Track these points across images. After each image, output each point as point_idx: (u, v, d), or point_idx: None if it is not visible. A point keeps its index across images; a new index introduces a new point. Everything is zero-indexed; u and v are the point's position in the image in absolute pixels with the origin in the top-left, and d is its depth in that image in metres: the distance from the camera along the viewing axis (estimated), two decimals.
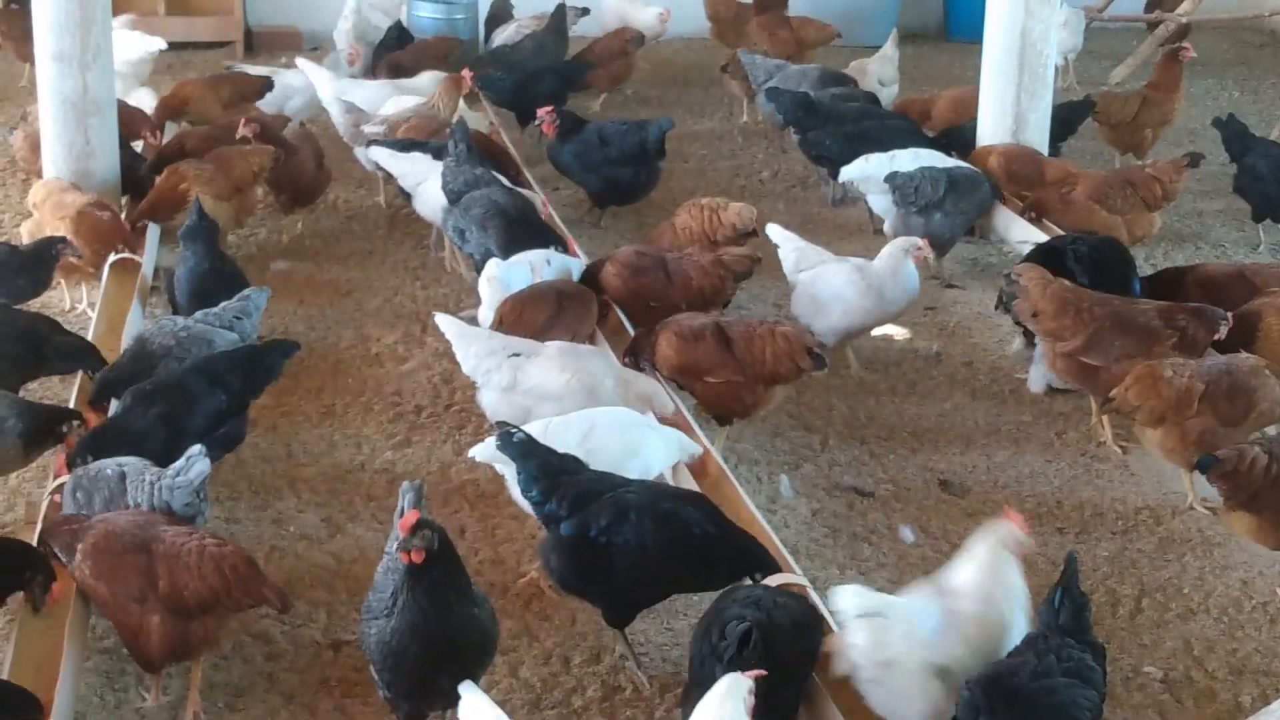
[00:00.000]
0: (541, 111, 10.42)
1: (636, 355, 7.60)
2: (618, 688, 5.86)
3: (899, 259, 8.19)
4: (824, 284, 8.32)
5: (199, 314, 7.30)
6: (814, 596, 5.81)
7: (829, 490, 7.38)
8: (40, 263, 8.14)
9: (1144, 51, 14.21)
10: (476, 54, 13.44)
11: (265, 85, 11.63)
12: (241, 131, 9.65)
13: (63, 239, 8.25)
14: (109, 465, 5.94)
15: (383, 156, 9.83)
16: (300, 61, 11.62)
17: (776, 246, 8.64)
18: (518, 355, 7.15)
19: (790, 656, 5.19)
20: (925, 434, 7.95)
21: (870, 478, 7.50)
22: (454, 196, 9.10)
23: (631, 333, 8.06)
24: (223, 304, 7.38)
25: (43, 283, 8.23)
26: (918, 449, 7.78)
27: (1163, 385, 6.98)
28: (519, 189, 9.52)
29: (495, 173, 9.41)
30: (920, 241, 8.28)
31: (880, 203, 9.94)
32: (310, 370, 8.29)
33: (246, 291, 7.52)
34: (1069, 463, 7.68)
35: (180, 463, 5.85)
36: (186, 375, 6.66)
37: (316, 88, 11.20)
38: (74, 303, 8.75)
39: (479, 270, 8.57)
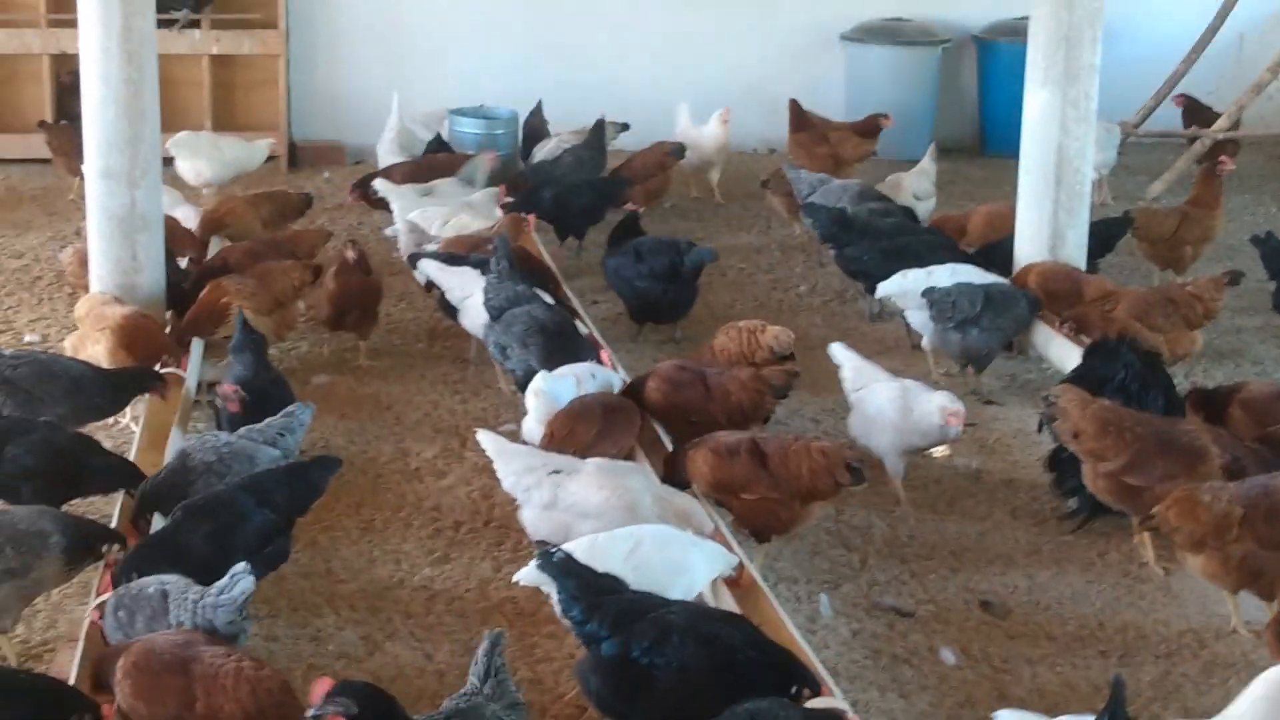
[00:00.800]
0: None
1: (674, 473, 7.61)
2: None
3: (933, 420, 8.14)
4: (872, 402, 8.32)
5: (243, 430, 7.35)
6: (854, 718, 5.76)
7: (869, 610, 7.34)
8: (122, 388, 8.25)
9: (1180, 167, 14.25)
10: (516, 170, 13.57)
11: (305, 203, 11.86)
12: (348, 255, 9.80)
13: (158, 376, 8.34)
14: (151, 584, 5.96)
15: (433, 270, 9.93)
16: (378, 183, 11.79)
17: (838, 366, 8.60)
18: (558, 472, 7.18)
19: None
20: (965, 553, 7.90)
21: (911, 598, 7.46)
22: (496, 313, 9.18)
23: (670, 447, 8.08)
24: (267, 420, 7.43)
25: (119, 406, 8.40)
26: (958, 568, 7.74)
27: (1201, 510, 6.92)
28: (558, 305, 9.58)
29: (536, 289, 9.48)
30: (958, 406, 8.18)
31: (918, 318, 9.97)
32: (350, 485, 8.32)
33: (292, 408, 7.57)
34: (1111, 584, 7.63)
35: (224, 581, 5.87)
36: (234, 492, 6.69)
37: (393, 206, 11.41)
38: (117, 417, 8.81)
39: (519, 387, 8.61)
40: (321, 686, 5.02)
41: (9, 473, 7.07)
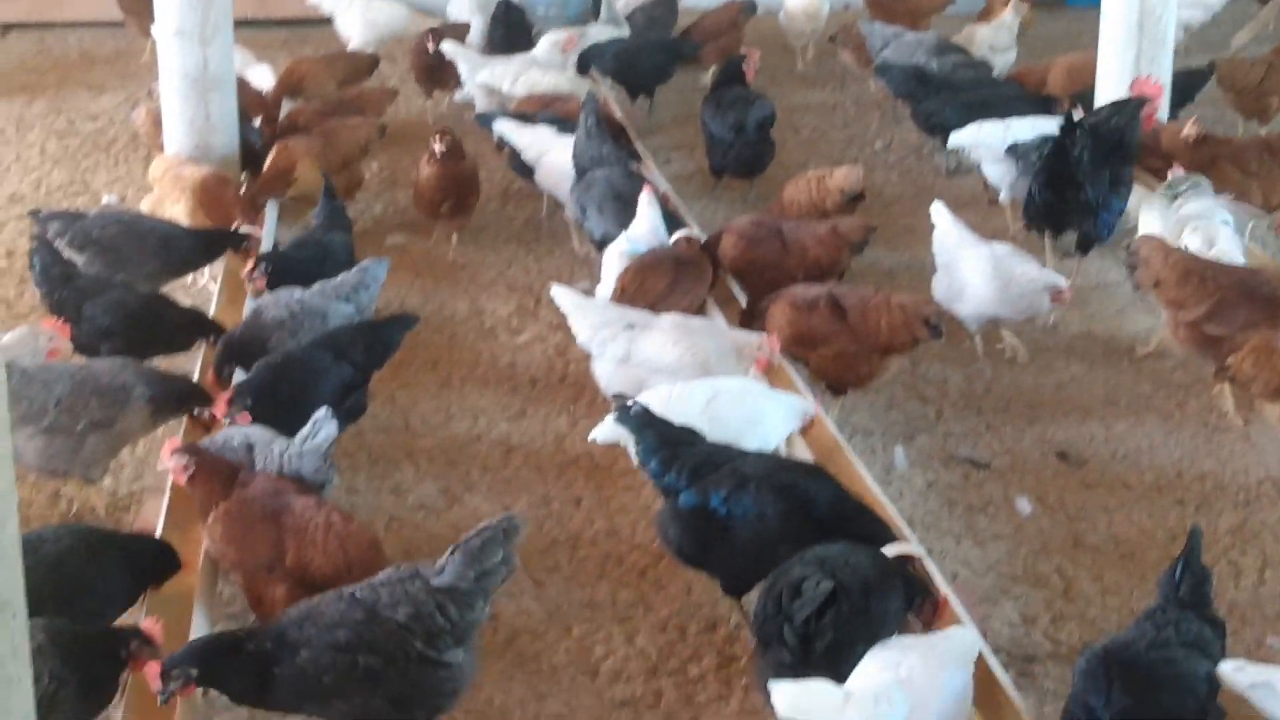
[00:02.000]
0: None
1: (751, 328, 7.60)
2: (734, 657, 5.89)
3: (1036, 296, 7.94)
4: (964, 269, 8.12)
5: (316, 286, 7.39)
6: (930, 565, 5.79)
7: (944, 461, 7.34)
8: (208, 246, 8.35)
9: (1265, 16, 13.89)
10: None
11: (374, 63, 11.85)
12: (435, 147, 9.41)
13: (241, 236, 8.41)
14: (236, 436, 6.04)
15: (506, 128, 9.87)
16: (445, 46, 11.69)
17: (933, 226, 8.41)
18: (632, 327, 7.19)
19: (855, 620, 5.14)
20: (1042, 405, 7.87)
21: (986, 449, 7.45)
22: (581, 171, 9.14)
23: (744, 303, 8.07)
24: (340, 275, 7.47)
25: (204, 264, 8.58)
26: (1035, 420, 7.72)
27: (1277, 358, 6.85)
28: (639, 169, 9.52)
29: (621, 149, 9.42)
30: (1064, 285, 7.97)
31: (995, 171, 9.83)
32: (426, 343, 8.38)
33: (365, 263, 7.59)
34: (1190, 434, 7.58)
35: (307, 429, 5.94)
36: (311, 348, 6.75)
37: (461, 69, 11.33)
38: (195, 277, 8.89)
39: (596, 246, 8.61)
40: (153, 671, 4.90)
41: (86, 332, 7.18)
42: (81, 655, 4.81)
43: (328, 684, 4.86)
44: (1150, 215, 8.71)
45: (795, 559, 5.33)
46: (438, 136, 9.46)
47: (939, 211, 8.39)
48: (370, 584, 5.01)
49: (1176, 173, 8.93)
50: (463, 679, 5.08)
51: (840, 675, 4.89)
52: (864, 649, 5.02)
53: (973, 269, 8.03)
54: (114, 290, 7.39)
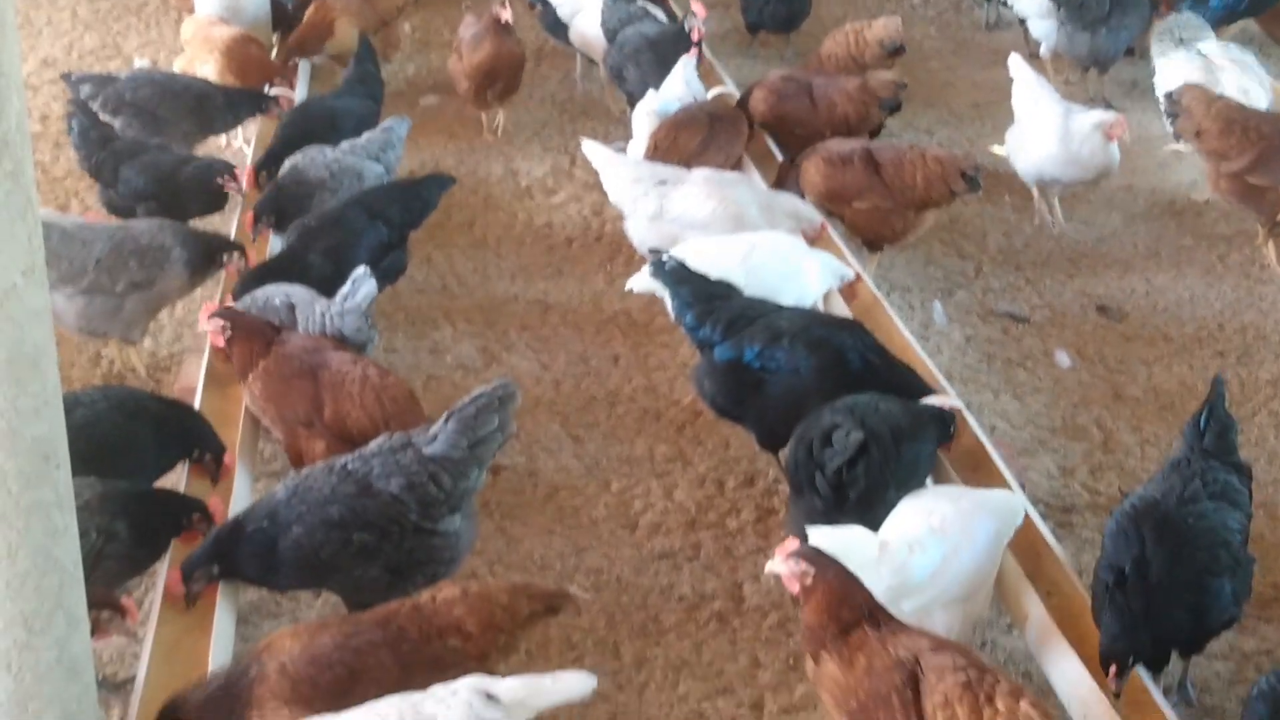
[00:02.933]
0: None
1: (785, 184, 7.55)
2: (772, 510, 5.91)
3: (1094, 138, 7.75)
4: (1029, 124, 7.99)
5: (345, 145, 7.35)
6: (969, 418, 5.78)
7: (983, 316, 7.31)
8: (241, 106, 8.33)
9: None
10: None
11: None
12: (500, 14, 9.04)
13: (272, 97, 8.35)
14: (277, 295, 6.05)
15: None
16: None
17: (1012, 81, 8.25)
18: (664, 183, 7.14)
19: (886, 467, 5.14)
20: (1082, 259, 7.82)
21: (1025, 303, 7.41)
22: (611, 34, 9.03)
23: (779, 159, 8.01)
24: (366, 135, 7.43)
25: (237, 123, 8.54)
26: (1074, 274, 7.66)
27: None
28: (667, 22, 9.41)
29: (650, 5, 9.29)
30: (1115, 118, 7.79)
31: (1039, 26, 9.67)
32: (461, 204, 8.35)
33: (388, 122, 7.55)
34: (1231, 286, 7.52)
35: (346, 287, 5.94)
36: (348, 209, 6.73)
37: None
38: (230, 139, 8.87)
39: (633, 107, 8.54)
40: (174, 579, 4.87)
41: (123, 194, 7.18)
42: (134, 513, 4.85)
43: (325, 559, 4.82)
44: (1168, 63, 8.57)
45: (826, 407, 5.33)
46: (502, 3, 9.09)
47: (1016, 64, 8.24)
48: (361, 455, 4.95)
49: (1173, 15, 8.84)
50: (461, 546, 5.05)
51: (872, 521, 4.91)
52: (896, 494, 5.05)
53: (1041, 124, 7.87)
54: (150, 152, 7.37)
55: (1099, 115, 7.80)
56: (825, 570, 4.29)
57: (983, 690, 3.92)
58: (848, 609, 4.21)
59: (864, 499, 5.06)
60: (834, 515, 5.00)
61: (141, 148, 7.40)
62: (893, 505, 5.00)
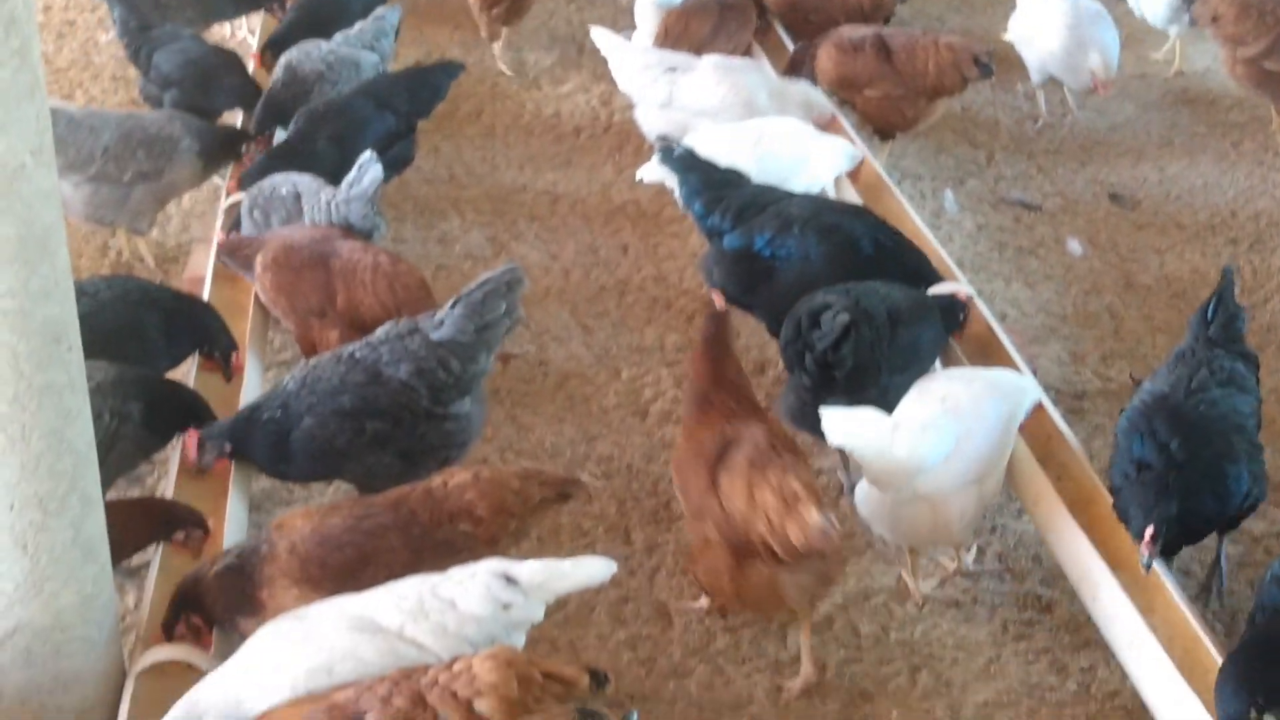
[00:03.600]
0: None
1: (797, 71, 7.48)
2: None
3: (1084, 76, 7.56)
4: (1034, 13, 7.83)
5: (338, 37, 7.27)
6: (980, 305, 5.76)
7: (994, 205, 7.27)
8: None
9: None
10: None
11: None
12: None
13: None
14: (284, 184, 6.01)
15: None
16: None
17: None
18: (674, 70, 7.07)
19: (878, 349, 5.13)
20: (1095, 147, 7.76)
21: (1037, 192, 7.37)
22: None
23: (790, 50, 7.92)
24: (358, 25, 7.35)
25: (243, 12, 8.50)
26: (1087, 162, 7.61)
27: None
28: None
29: None
30: (1104, 75, 7.54)
31: None
32: (469, 94, 8.29)
33: (379, 11, 7.47)
34: (1244, 173, 7.47)
35: (352, 173, 5.90)
36: (355, 97, 6.67)
37: None
38: (235, 29, 8.78)
39: None
40: (191, 439, 4.88)
41: (154, 80, 7.13)
42: (146, 397, 4.85)
43: (339, 448, 4.84)
44: None
45: (822, 289, 5.29)
46: None
47: None
48: (369, 342, 4.94)
49: None
50: (472, 429, 5.05)
51: (865, 402, 4.89)
52: (894, 378, 5.04)
53: (1052, 20, 7.68)
54: (182, 40, 7.30)
55: (1097, 59, 7.53)
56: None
57: (763, 466, 4.39)
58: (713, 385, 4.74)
59: (852, 380, 5.04)
60: (821, 395, 4.98)
61: (175, 36, 7.32)
62: (889, 388, 4.99)
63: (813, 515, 4.22)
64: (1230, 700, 3.93)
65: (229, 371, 5.43)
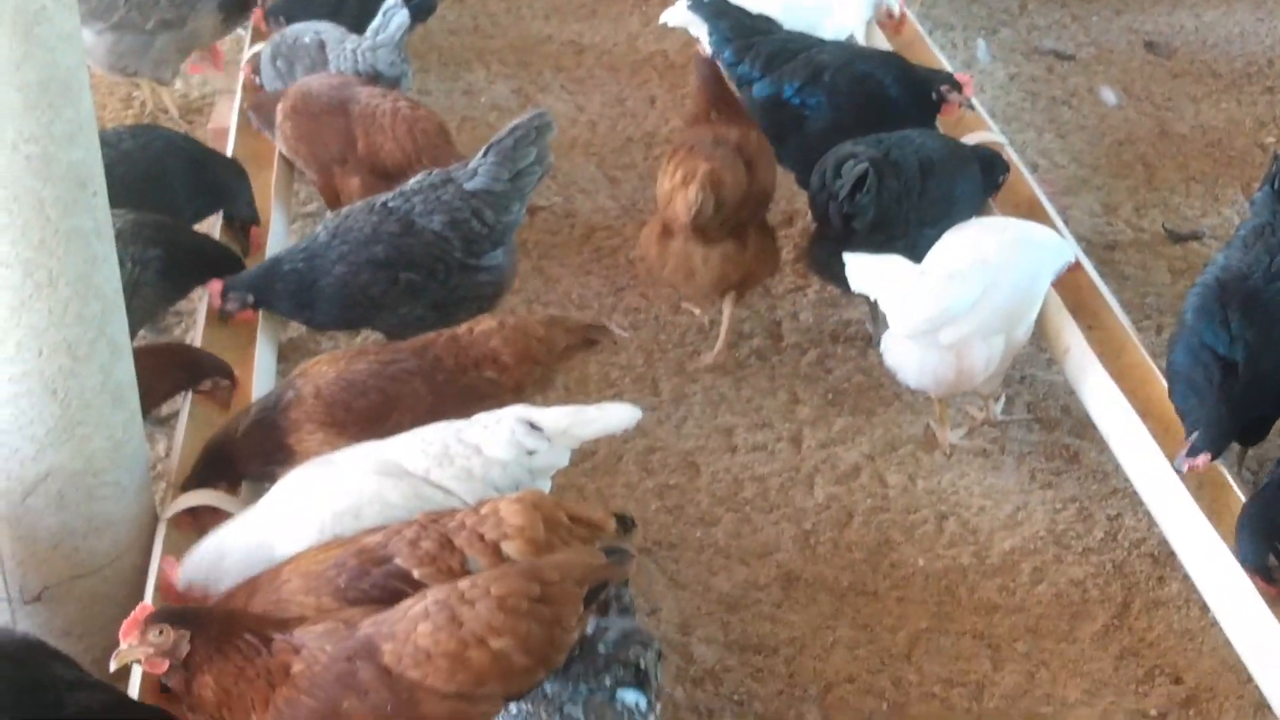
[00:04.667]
0: None
1: None
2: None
3: None
4: None
5: None
6: (1009, 153, 5.69)
7: (1027, 54, 7.15)
8: None
9: None
10: None
11: None
12: None
13: None
14: (307, 33, 5.93)
15: None
16: None
17: None
18: None
19: (906, 200, 5.08)
20: None
21: (1071, 40, 7.25)
22: None
23: None
24: None
25: None
26: (1122, 10, 7.47)
27: None
28: None
29: None
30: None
31: None
32: None
33: None
34: None
35: (377, 20, 5.81)
36: None
37: None
38: None
39: None
40: (215, 288, 4.87)
41: None
42: (167, 243, 4.84)
43: (372, 298, 4.82)
44: None
45: (855, 139, 5.23)
46: None
47: None
48: (402, 192, 4.90)
49: None
50: (504, 280, 5.03)
51: (894, 251, 4.85)
52: (929, 232, 4.97)
53: None
54: None
55: None
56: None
57: (697, 152, 5.03)
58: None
59: (876, 231, 4.99)
60: (844, 245, 4.94)
61: None
62: (919, 242, 4.92)
63: (690, 192, 4.87)
64: (1248, 546, 3.94)
65: (246, 244, 5.38)
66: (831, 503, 4.78)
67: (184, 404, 4.57)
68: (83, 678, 3.36)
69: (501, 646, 3.20)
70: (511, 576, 3.30)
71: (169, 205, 5.21)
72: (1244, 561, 3.94)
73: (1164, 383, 4.54)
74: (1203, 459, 4.19)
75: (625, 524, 3.69)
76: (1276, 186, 4.79)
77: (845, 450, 5.00)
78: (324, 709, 3.16)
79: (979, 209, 5.39)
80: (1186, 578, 4.32)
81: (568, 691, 3.38)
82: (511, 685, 3.24)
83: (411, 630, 3.21)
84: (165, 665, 3.22)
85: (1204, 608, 4.26)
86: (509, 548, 3.49)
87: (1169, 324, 5.41)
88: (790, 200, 6.11)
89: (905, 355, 4.78)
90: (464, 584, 3.29)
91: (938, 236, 4.91)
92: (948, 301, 4.61)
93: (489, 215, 4.84)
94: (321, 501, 3.74)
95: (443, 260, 4.83)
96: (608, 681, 3.41)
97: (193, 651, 3.20)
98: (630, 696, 3.39)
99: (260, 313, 4.93)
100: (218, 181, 5.43)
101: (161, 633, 3.21)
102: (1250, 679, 4.00)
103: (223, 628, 3.23)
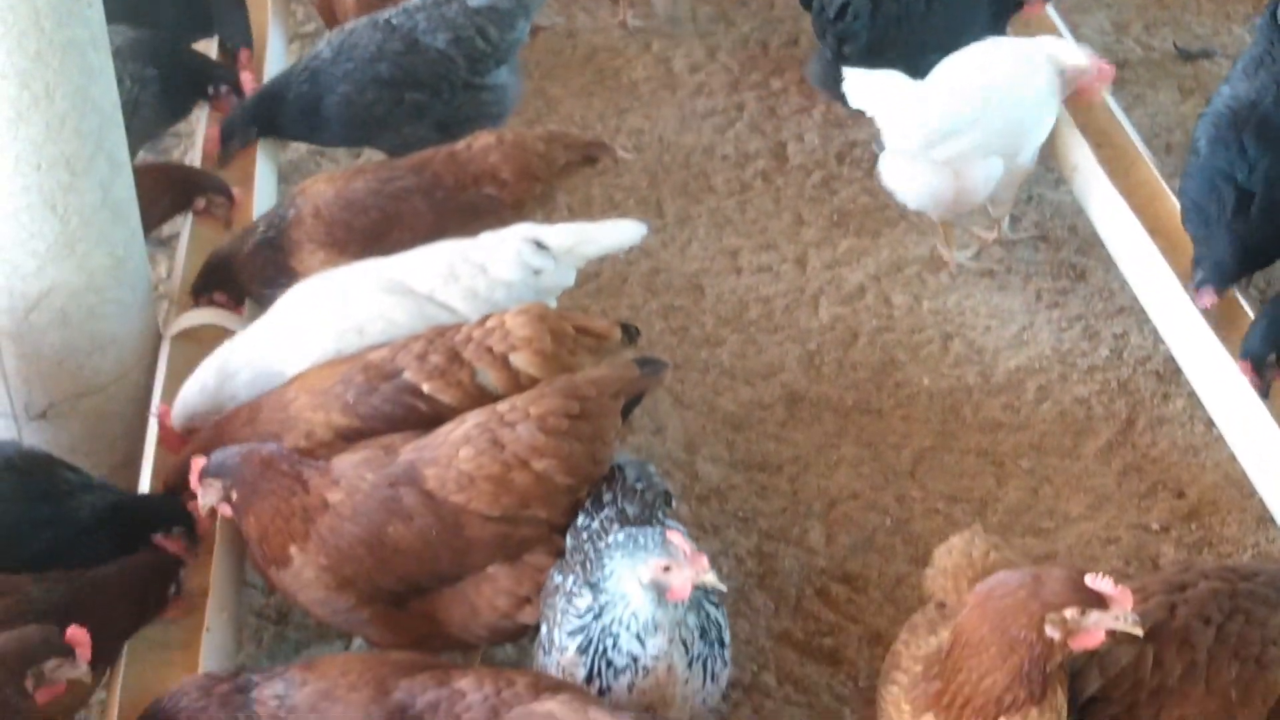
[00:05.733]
0: None
1: None
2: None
3: None
4: None
5: None
6: None
7: None
8: None
9: None
10: None
11: None
12: None
13: None
14: None
15: None
16: None
17: None
18: None
19: (905, 24, 4.99)
20: None
21: None
22: None
23: None
24: None
25: None
26: None
27: None
28: None
29: None
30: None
31: None
32: None
33: None
34: None
35: None
36: None
37: None
38: None
39: None
40: (213, 133, 4.81)
41: None
42: (165, 61, 4.76)
43: (376, 117, 4.77)
44: None
45: None
46: None
47: None
48: (405, 9, 4.82)
49: None
50: (507, 101, 4.97)
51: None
52: (936, 56, 4.83)
53: None
54: None
55: None
56: None
57: None
58: None
59: (872, 53, 4.90)
60: (840, 65, 4.83)
61: None
62: (924, 66, 4.78)
63: None
64: (1256, 338, 3.95)
65: (235, 70, 5.19)
66: (836, 323, 4.77)
67: (185, 225, 4.54)
68: (90, 480, 3.41)
69: (544, 468, 3.22)
70: (550, 396, 3.30)
71: (158, 20, 5.07)
72: (1244, 352, 3.94)
73: (1173, 200, 4.50)
74: (1208, 295, 4.16)
75: (630, 334, 3.68)
76: (1276, 13, 4.71)
77: (850, 271, 4.98)
78: (368, 535, 3.19)
79: (994, 31, 5.28)
80: (1191, 394, 4.33)
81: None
82: (554, 507, 3.26)
83: (453, 455, 3.22)
84: (228, 509, 3.28)
85: (1208, 423, 4.27)
86: (517, 359, 3.48)
87: (1178, 143, 5.37)
88: (795, 20, 6.01)
89: (904, 174, 4.72)
90: (503, 406, 3.30)
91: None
92: (943, 117, 4.53)
93: (493, 33, 4.77)
94: (325, 319, 3.72)
95: (447, 79, 4.78)
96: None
97: (236, 498, 3.25)
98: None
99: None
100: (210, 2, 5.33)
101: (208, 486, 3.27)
102: (1253, 493, 4.03)
103: (258, 471, 3.24)
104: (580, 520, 3.25)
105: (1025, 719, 2.68)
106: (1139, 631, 2.68)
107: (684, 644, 2.94)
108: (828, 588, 3.90)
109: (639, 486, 3.33)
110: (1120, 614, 2.65)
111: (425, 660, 2.92)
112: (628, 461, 3.44)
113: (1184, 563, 3.58)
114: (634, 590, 2.88)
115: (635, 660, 2.91)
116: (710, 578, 2.88)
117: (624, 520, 3.20)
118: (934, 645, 2.91)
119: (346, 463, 3.28)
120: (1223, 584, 3.00)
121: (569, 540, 3.23)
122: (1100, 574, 2.68)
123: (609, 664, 2.91)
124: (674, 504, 3.49)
